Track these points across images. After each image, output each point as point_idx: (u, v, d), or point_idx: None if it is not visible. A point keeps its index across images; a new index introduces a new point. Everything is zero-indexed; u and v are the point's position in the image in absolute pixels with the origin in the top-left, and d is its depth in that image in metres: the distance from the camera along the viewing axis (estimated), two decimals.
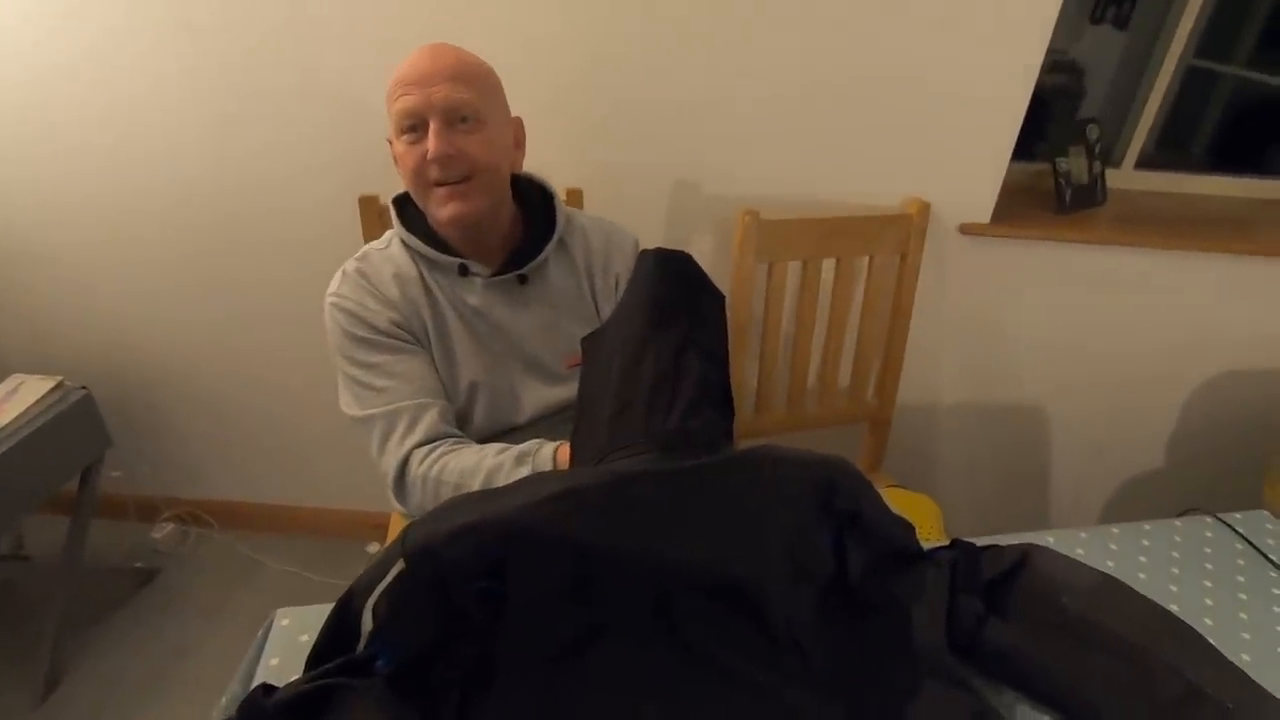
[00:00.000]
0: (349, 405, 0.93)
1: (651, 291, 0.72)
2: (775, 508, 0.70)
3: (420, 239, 0.94)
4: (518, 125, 0.98)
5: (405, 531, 0.60)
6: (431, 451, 0.88)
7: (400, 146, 0.89)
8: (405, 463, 0.88)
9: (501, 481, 0.84)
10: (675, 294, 0.73)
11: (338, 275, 0.95)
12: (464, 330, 0.96)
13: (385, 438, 0.90)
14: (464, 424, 0.98)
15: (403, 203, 0.97)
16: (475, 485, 0.85)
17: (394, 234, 0.97)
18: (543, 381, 1.00)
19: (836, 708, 0.62)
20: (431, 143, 0.85)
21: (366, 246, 0.99)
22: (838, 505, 0.74)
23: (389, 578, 0.59)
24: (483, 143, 0.88)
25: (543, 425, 1.01)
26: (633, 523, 0.61)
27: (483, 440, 0.96)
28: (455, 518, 0.59)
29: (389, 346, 0.92)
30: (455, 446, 0.90)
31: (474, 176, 0.89)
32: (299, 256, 1.50)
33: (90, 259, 1.55)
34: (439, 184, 0.88)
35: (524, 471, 0.84)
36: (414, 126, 0.86)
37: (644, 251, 0.76)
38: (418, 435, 0.88)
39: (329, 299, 0.93)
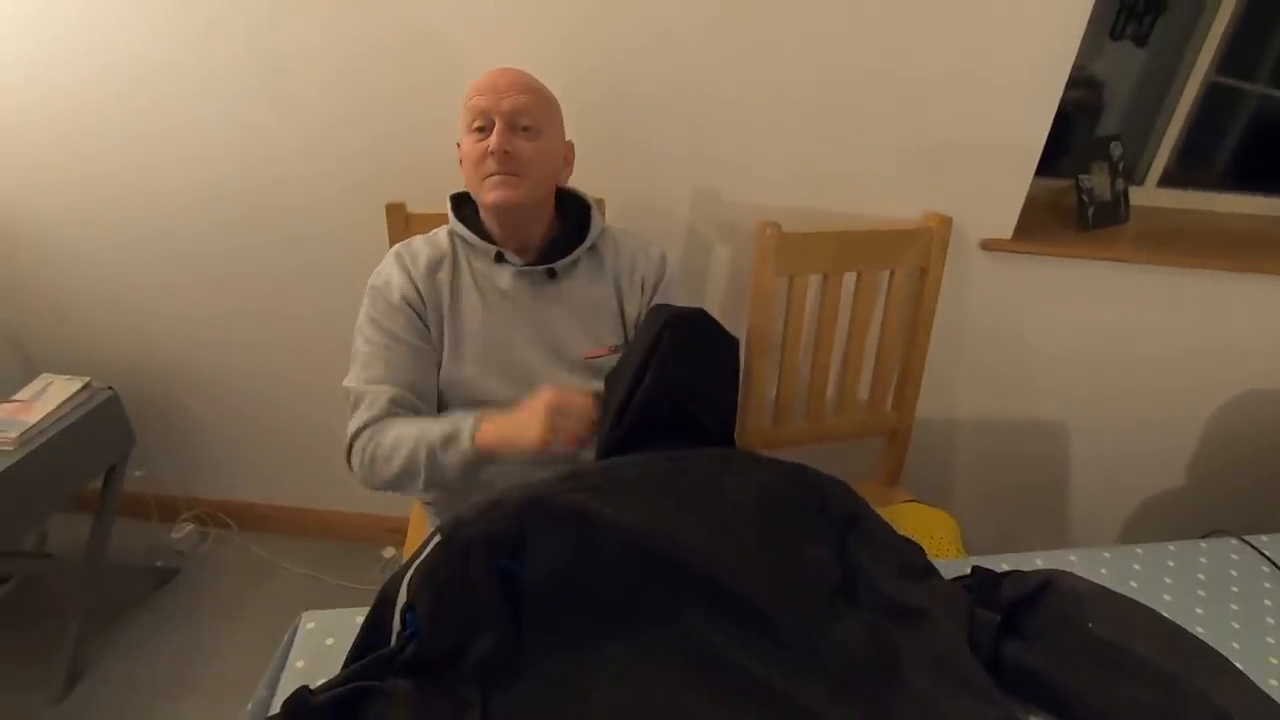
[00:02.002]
0: (348, 377, 1.04)
1: (640, 357, 0.81)
2: (761, 505, 0.74)
3: (467, 228, 1.05)
4: (569, 147, 1.09)
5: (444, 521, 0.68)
6: (372, 424, 0.98)
7: (467, 143, 1.01)
8: (356, 436, 0.99)
9: (424, 456, 0.92)
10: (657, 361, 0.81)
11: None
12: (485, 310, 1.04)
13: (352, 410, 1.01)
14: (475, 396, 1.04)
15: (459, 201, 1.09)
16: (402, 453, 0.93)
17: (445, 226, 1.09)
18: (562, 367, 1.06)
19: (853, 712, 0.62)
20: (494, 139, 0.97)
21: (417, 236, 1.11)
22: (833, 511, 0.76)
23: (425, 552, 0.64)
24: (537, 149, 0.99)
25: None
26: (625, 495, 0.70)
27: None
28: (485, 500, 0.69)
29: (389, 331, 1.02)
30: (395, 420, 0.98)
31: (524, 174, 0.99)
32: (324, 264, 1.52)
33: (119, 262, 1.58)
34: (492, 174, 0.98)
35: (452, 457, 0.91)
36: (482, 126, 0.99)
37: (656, 306, 0.86)
38: (370, 415, 0.99)
39: (374, 273, 1.07)
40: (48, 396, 1.43)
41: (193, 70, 1.35)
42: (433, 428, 0.93)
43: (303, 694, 0.56)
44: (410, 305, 1.02)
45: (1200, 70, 1.50)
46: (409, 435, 0.94)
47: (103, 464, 1.54)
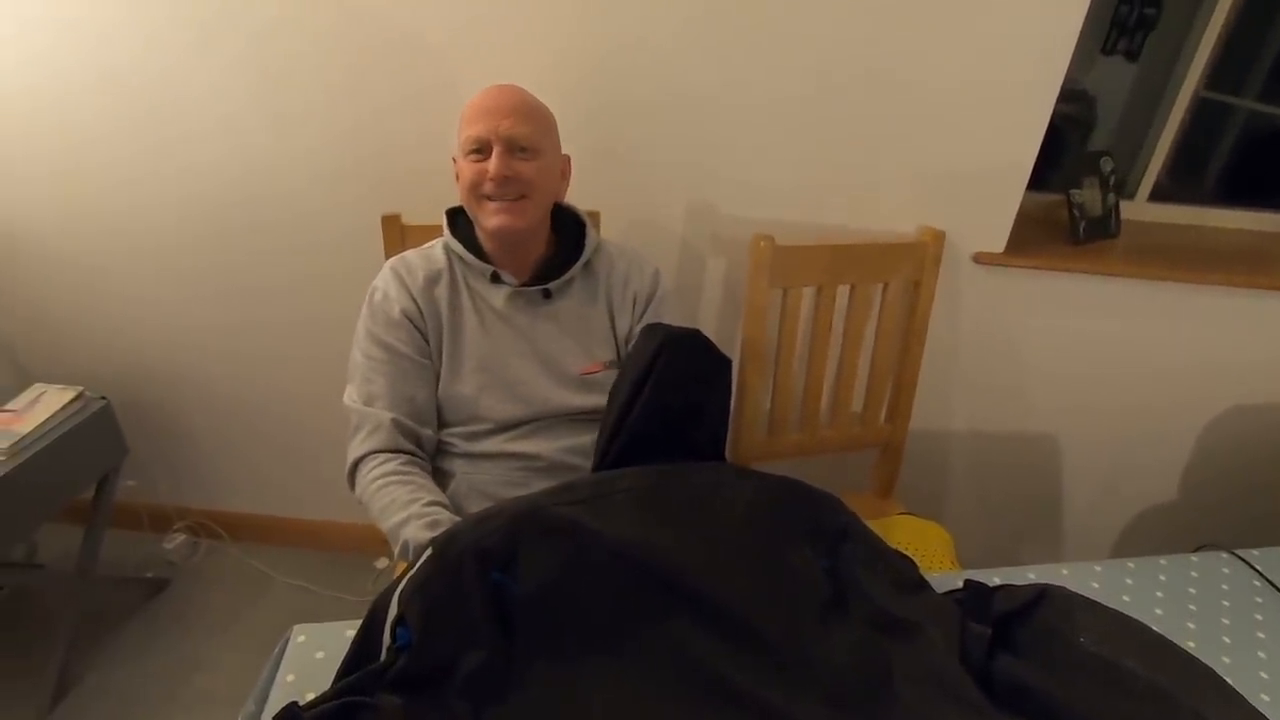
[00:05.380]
0: (347, 392, 1.05)
1: (636, 375, 0.82)
2: (752, 518, 0.75)
3: (463, 245, 1.06)
4: (566, 161, 1.10)
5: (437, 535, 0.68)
6: (383, 464, 0.99)
7: (464, 164, 1.01)
8: (359, 463, 1.01)
9: (403, 532, 0.90)
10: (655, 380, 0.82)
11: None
12: (482, 329, 1.05)
13: (354, 433, 1.03)
14: (474, 413, 1.05)
15: (454, 215, 1.10)
16: (385, 525, 0.94)
17: (440, 240, 1.09)
18: (558, 383, 1.07)
19: None
20: (493, 165, 0.97)
21: (411, 250, 1.11)
22: (824, 524, 0.76)
23: (417, 565, 0.64)
24: (535, 170, 1.00)
25: (558, 423, 1.07)
26: (617, 508, 0.71)
27: (497, 432, 1.05)
28: (478, 513, 0.69)
29: (388, 346, 1.03)
30: (398, 473, 0.98)
31: (524, 197, 1.00)
32: (319, 274, 1.53)
33: (112, 271, 1.58)
34: (492, 199, 1.00)
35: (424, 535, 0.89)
36: (479, 149, 0.99)
37: (651, 326, 0.86)
38: (373, 443, 1.00)
39: (370, 288, 1.07)
40: (40, 406, 1.42)
41: (190, 82, 1.35)
42: (406, 526, 0.91)
43: (292, 709, 0.55)
44: (410, 320, 1.03)
45: (1190, 85, 1.51)
46: (394, 509, 0.93)
47: (95, 474, 1.54)
